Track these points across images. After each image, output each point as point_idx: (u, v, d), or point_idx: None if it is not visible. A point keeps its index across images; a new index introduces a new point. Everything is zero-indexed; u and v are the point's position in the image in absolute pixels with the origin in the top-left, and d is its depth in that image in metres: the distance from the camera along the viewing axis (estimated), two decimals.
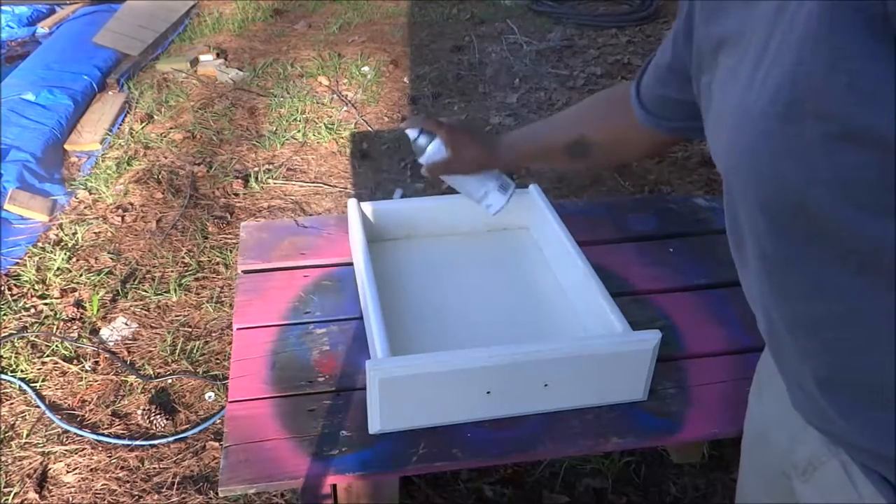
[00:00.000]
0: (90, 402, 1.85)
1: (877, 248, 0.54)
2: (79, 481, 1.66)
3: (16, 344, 2.02)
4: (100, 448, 1.73)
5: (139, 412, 1.80)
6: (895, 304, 0.56)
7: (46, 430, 1.78)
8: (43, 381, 1.91)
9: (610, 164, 1.32)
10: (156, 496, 1.61)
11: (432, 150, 1.31)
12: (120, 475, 1.67)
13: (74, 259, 2.35)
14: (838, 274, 0.58)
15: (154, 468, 1.68)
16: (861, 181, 0.52)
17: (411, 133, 1.33)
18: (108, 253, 2.38)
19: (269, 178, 2.80)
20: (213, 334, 2.06)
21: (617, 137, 1.09)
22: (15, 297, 2.18)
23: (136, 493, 1.62)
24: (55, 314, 2.12)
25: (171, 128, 3.16)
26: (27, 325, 2.09)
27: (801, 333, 0.65)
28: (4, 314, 2.12)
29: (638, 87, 0.98)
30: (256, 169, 2.84)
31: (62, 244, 2.43)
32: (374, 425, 1.14)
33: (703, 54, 0.72)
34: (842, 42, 0.49)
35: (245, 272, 1.51)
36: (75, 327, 2.07)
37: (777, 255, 0.62)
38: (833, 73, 0.49)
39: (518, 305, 1.41)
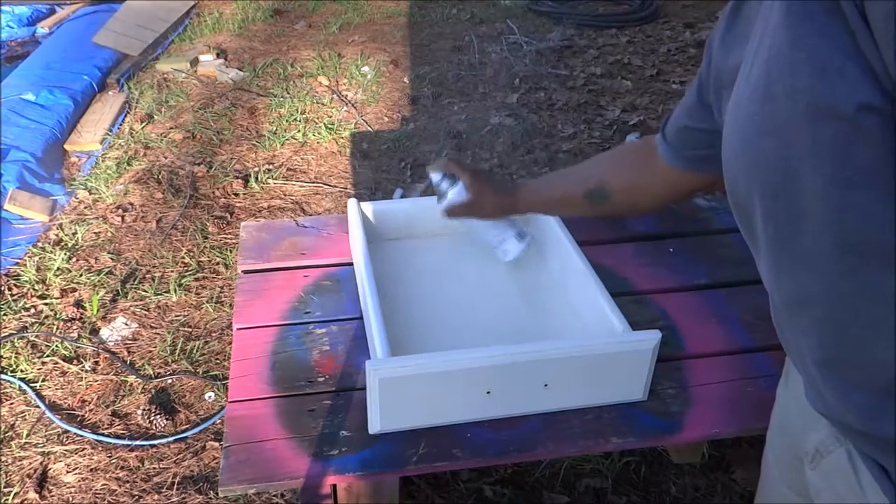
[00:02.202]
0: (90, 402, 1.85)
1: (850, 225, 0.56)
2: (79, 481, 1.66)
3: (16, 344, 2.02)
4: (100, 448, 1.73)
5: (139, 412, 1.80)
6: (872, 283, 0.57)
7: (46, 430, 1.78)
8: (43, 381, 1.91)
9: (631, 212, 1.36)
10: (156, 496, 1.61)
11: (455, 194, 1.31)
12: (120, 475, 1.67)
13: (74, 259, 2.35)
14: (818, 252, 0.60)
15: (154, 468, 1.68)
16: (828, 154, 0.54)
17: (434, 176, 1.34)
18: (108, 253, 2.38)
19: (269, 178, 2.80)
20: (213, 334, 2.06)
21: (637, 184, 1.11)
22: (15, 297, 2.18)
23: (136, 493, 1.62)
24: (55, 314, 2.12)
25: (171, 128, 3.16)
26: (27, 325, 2.09)
27: (795, 311, 0.67)
28: (4, 314, 2.12)
29: (664, 126, 1.02)
30: (256, 169, 2.84)
31: (62, 244, 2.43)
32: (374, 425, 1.14)
33: (724, 82, 0.76)
34: (800, 21, 0.53)
35: (245, 272, 1.51)
36: (75, 327, 2.07)
37: (769, 235, 0.65)
38: (794, 51, 0.54)
39: (518, 305, 1.41)
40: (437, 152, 2.97)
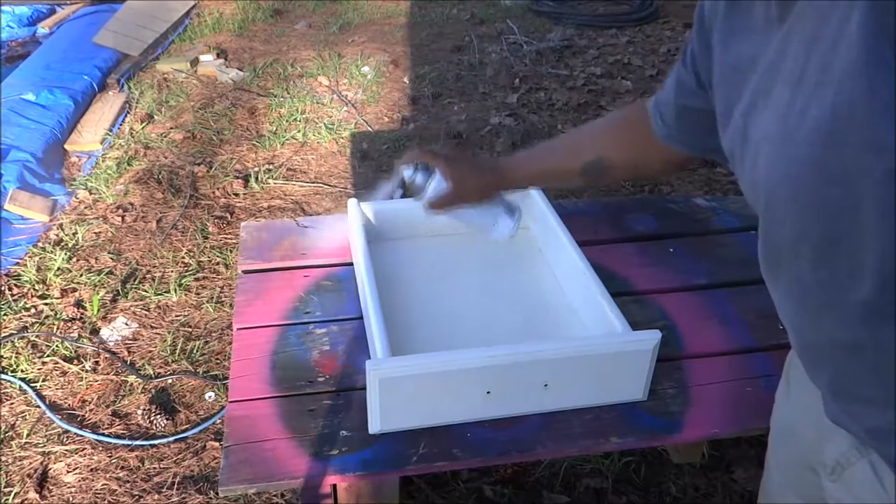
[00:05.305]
0: (90, 402, 1.85)
1: None
2: (79, 481, 1.66)
3: (16, 344, 2.02)
4: (100, 448, 1.73)
5: (139, 412, 1.80)
6: None
7: (46, 430, 1.78)
8: (43, 381, 1.91)
9: (625, 181, 1.27)
10: (156, 496, 1.62)
11: (434, 185, 1.21)
12: (120, 475, 1.67)
13: (75, 259, 2.35)
14: (876, 306, 0.58)
15: (154, 468, 1.68)
16: None
17: (406, 172, 1.22)
18: (109, 253, 2.38)
19: (269, 178, 2.80)
20: (213, 334, 2.06)
21: (634, 157, 1.07)
22: (15, 297, 2.18)
23: (137, 493, 1.62)
24: (55, 314, 2.12)
25: (171, 128, 3.16)
26: (27, 325, 2.09)
27: (834, 353, 0.66)
28: (5, 314, 2.12)
29: (657, 108, 0.98)
30: (256, 169, 2.85)
31: (62, 244, 2.43)
32: (374, 425, 1.14)
33: (724, 73, 0.73)
34: (878, 70, 0.49)
35: (245, 272, 1.51)
36: (75, 327, 2.07)
37: (820, 280, 0.62)
38: (874, 100, 0.50)
39: (518, 305, 1.41)
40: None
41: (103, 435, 1.76)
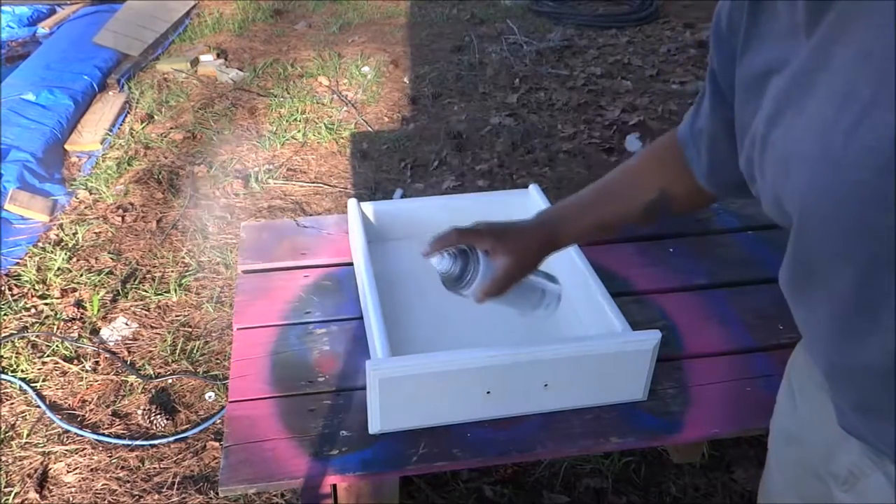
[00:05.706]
0: (90, 402, 1.85)
1: None
2: (79, 481, 1.66)
3: (16, 344, 2.02)
4: (100, 448, 1.73)
5: (139, 412, 1.80)
6: None
7: (47, 430, 1.78)
8: (43, 381, 1.91)
9: (681, 214, 1.05)
10: (156, 496, 1.62)
11: (482, 270, 0.97)
12: (120, 475, 1.67)
13: (75, 259, 2.35)
14: None
15: (154, 468, 1.68)
16: None
17: (441, 266, 0.98)
18: (109, 253, 2.38)
19: (269, 178, 2.80)
20: (213, 334, 2.06)
21: (696, 188, 0.94)
22: (15, 297, 2.18)
23: (137, 493, 1.62)
24: (55, 314, 2.12)
25: (171, 128, 3.16)
26: (27, 325, 2.09)
27: (868, 377, 0.64)
28: (5, 314, 2.12)
29: (691, 129, 0.90)
30: (256, 169, 2.85)
31: (62, 244, 2.43)
32: (374, 425, 1.14)
33: (746, 81, 0.70)
34: None
35: (245, 272, 1.51)
36: (75, 327, 2.07)
37: (857, 304, 0.60)
38: None
39: None
40: (437, 153, 2.97)
41: (103, 435, 1.76)
